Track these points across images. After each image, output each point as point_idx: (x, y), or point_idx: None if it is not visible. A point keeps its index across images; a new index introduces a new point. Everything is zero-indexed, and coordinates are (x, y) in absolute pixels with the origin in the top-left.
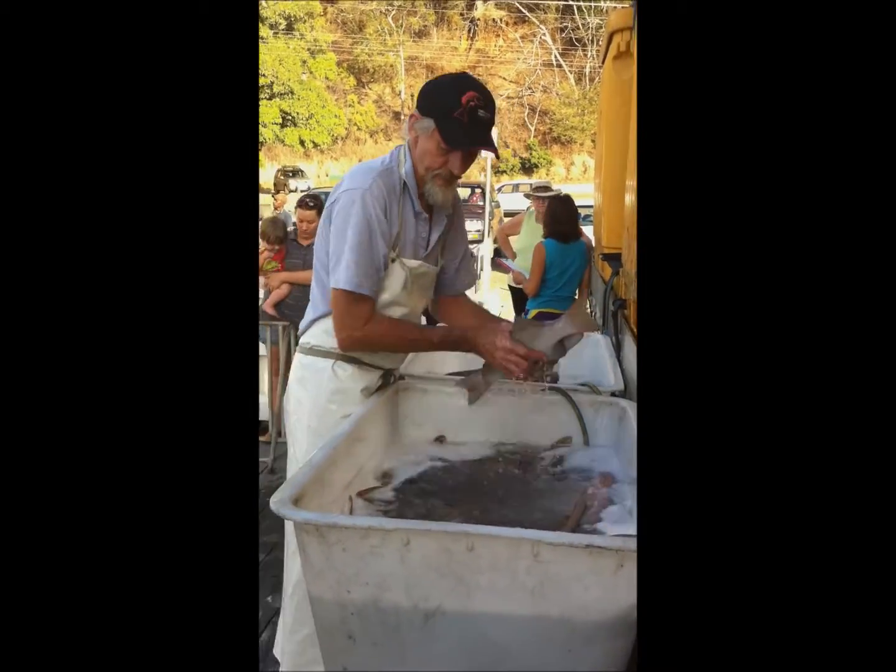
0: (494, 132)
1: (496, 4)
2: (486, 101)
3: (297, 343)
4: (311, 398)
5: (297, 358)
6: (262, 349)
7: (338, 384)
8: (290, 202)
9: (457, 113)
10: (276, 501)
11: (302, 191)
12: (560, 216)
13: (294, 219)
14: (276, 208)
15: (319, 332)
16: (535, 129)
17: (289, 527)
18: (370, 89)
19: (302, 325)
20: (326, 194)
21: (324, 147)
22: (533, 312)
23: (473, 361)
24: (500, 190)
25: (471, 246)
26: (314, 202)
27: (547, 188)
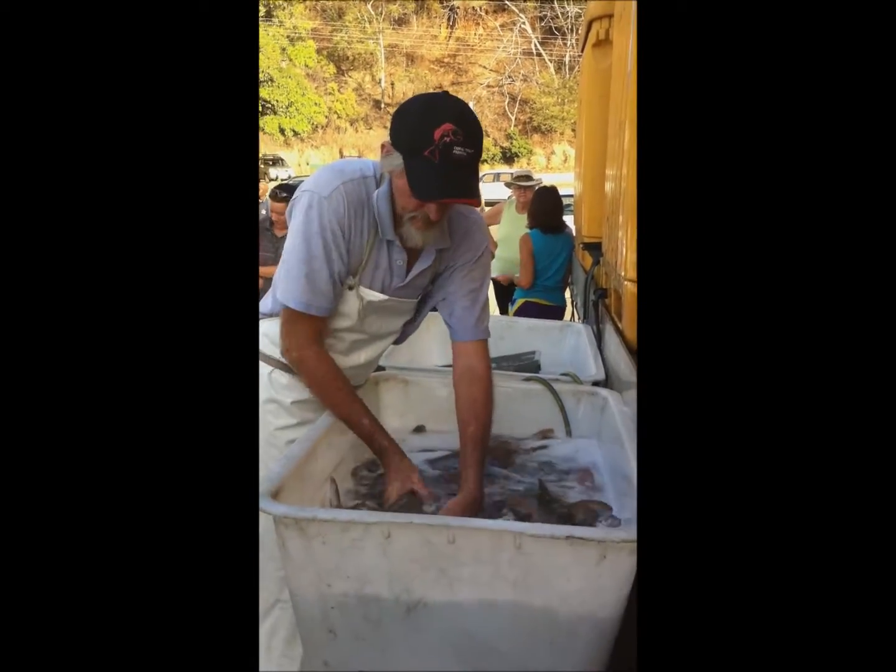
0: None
1: None
2: (468, 134)
3: None
4: None
5: None
6: None
7: (272, 394)
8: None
9: (427, 151)
10: None
11: (283, 179)
12: (545, 207)
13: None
14: None
15: (261, 333)
16: (516, 119)
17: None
18: (350, 77)
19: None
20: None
21: (304, 135)
22: (519, 302)
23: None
24: (481, 179)
25: None
26: (286, 193)
27: (528, 177)
